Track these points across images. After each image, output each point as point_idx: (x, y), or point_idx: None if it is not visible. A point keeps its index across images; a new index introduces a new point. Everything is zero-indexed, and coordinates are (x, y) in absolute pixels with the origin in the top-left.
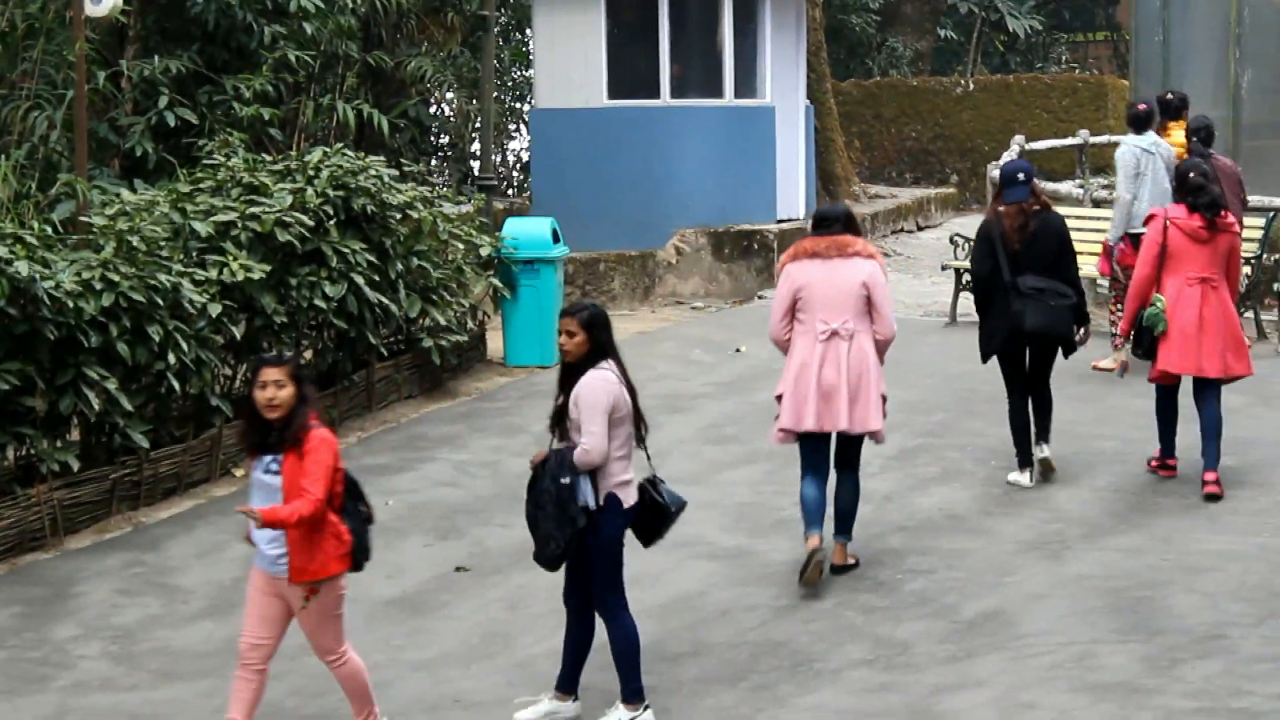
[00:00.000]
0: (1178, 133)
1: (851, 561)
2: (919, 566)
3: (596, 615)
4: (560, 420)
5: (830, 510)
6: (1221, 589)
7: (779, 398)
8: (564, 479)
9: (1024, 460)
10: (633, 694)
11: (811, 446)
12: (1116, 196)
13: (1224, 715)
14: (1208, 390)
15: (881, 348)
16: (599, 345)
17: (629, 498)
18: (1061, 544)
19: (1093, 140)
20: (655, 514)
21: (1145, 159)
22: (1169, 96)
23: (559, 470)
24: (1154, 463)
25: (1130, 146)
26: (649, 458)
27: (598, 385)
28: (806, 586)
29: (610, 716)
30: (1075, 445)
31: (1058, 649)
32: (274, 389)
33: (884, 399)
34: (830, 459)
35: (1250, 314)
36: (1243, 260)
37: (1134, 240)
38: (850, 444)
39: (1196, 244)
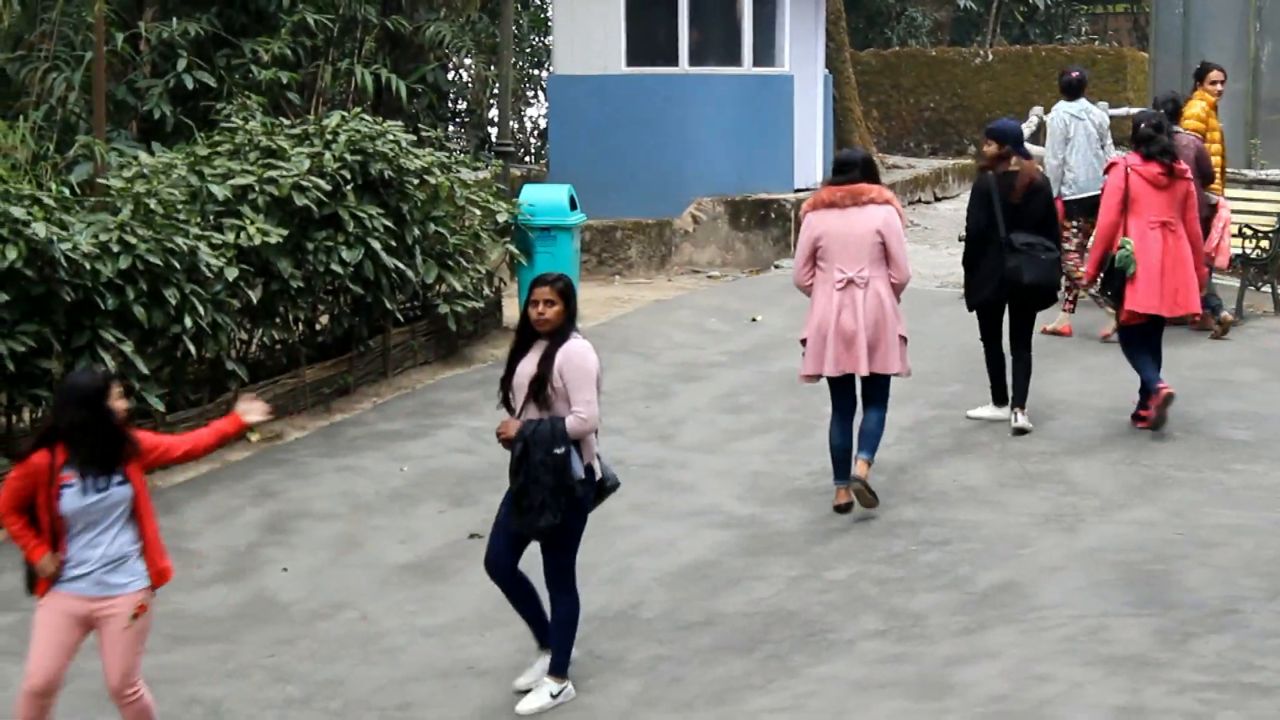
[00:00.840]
0: (1198, 103)
1: (864, 477)
2: (933, 538)
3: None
4: (541, 389)
5: (856, 432)
6: (1235, 563)
7: (803, 341)
8: (559, 450)
9: (1000, 397)
10: (562, 667)
11: (838, 389)
12: (1045, 161)
13: (1236, 690)
14: (1158, 326)
15: (897, 290)
16: (571, 314)
17: (598, 470)
18: (1075, 516)
19: (1112, 112)
20: (597, 490)
21: (1074, 124)
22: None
23: (553, 440)
24: (1143, 413)
25: (1060, 113)
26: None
27: (586, 353)
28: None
29: (541, 690)
30: (1088, 417)
31: (1070, 621)
32: None
33: (904, 340)
34: (855, 400)
35: (1267, 288)
36: (1258, 234)
37: (1066, 205)
38: (876, 384)
39: (1156, 190)
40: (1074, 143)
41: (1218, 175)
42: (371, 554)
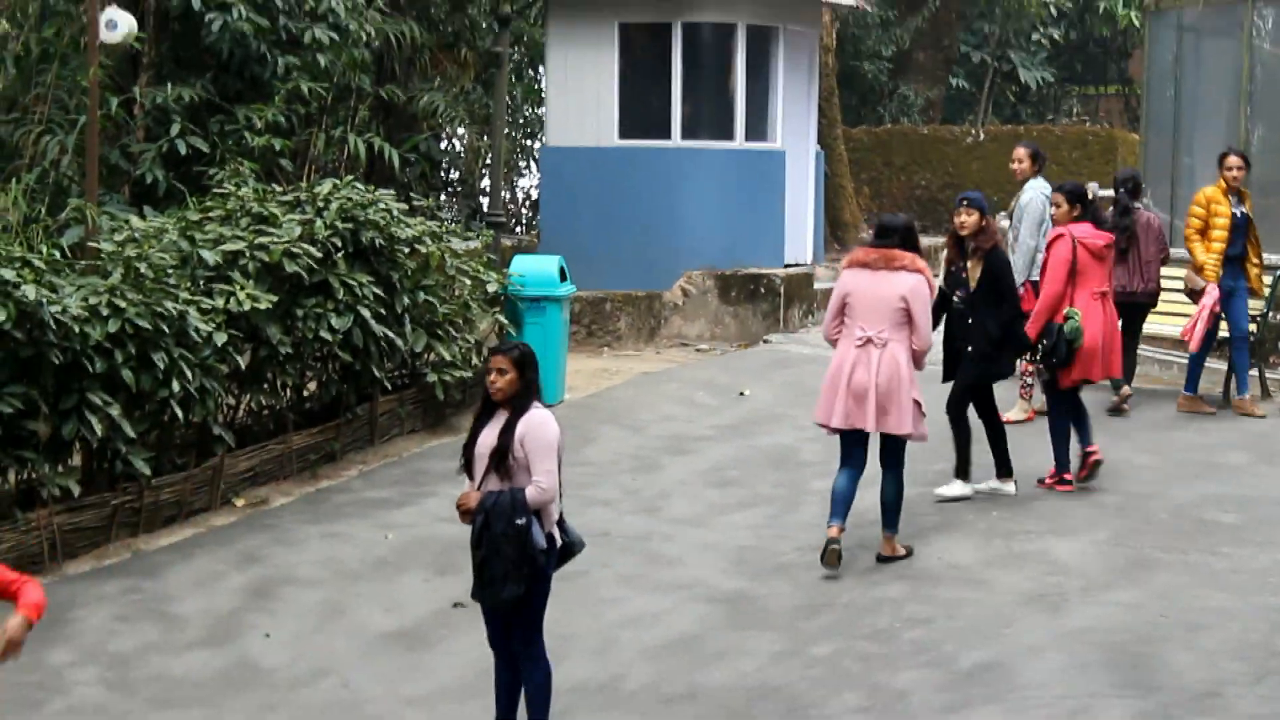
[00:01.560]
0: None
1: (902, 553)
2: (918, 615)
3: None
4: (502, 460)
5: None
6: (1220, 647)
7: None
8: (519, 520)
9: (967, 472)
10: None
11: (848, 443)
12: (1019, 243)
13: None
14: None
15: (917, 357)
16: (528, 384)
17: (558, 538)
18: (1060, 596)
19: (1102, 193)
20: (563, 553)
21: (1047, 206)
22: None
23: (513, 512)
24: (1068, 476)
25: (1038, 194)
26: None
27: (549, 424)
28: (827, 568)
29: None
30: (1074, 497)
31: (1054, 702)
32: None
33: (918, 404)
34: (865, 457)
35: (1255, 372)
36: (1250, 317)
37: (1034, 286)
38: (889, 445)
39: (1097, 261)
40: (1046, 225)
41: (1211, 260)
42: (355, 621)
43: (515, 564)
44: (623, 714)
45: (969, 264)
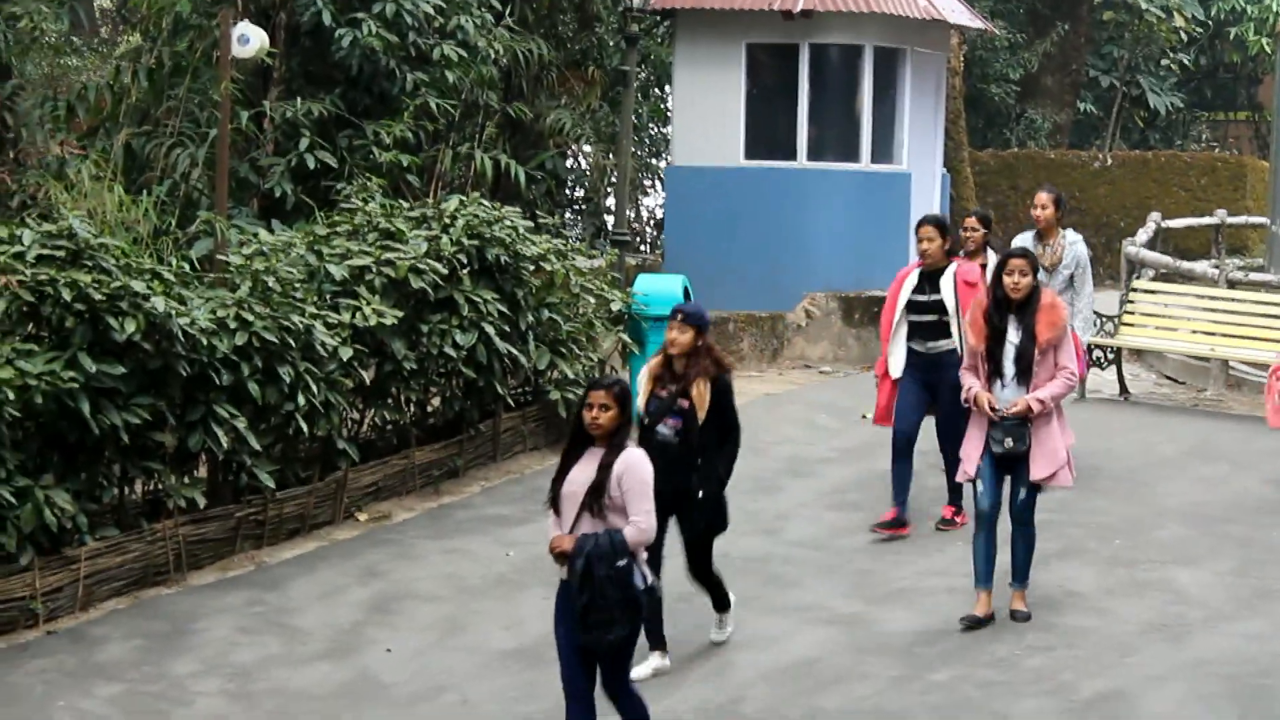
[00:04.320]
0: None
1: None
2: (1038, 643)
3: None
4: (598, 498)
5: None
6: None
7: None
8: (621, 562)
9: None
10: None
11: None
12: (1082, 299)
13: None
14: None
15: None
16: (626, 421)
17: (649, 575)
18: (1183, 627)
19: (1230, 220)
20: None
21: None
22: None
23: (614, 555)
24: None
25: (1083, 244)
26: None
27: (644, 462)
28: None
29: None
30: (1200, 528)
31: None
32: None
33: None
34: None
35: None
36: None
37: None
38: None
39: None
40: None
41: None
42: (475, 638)
43: (621, 606)
44: None
45: (686, 388)
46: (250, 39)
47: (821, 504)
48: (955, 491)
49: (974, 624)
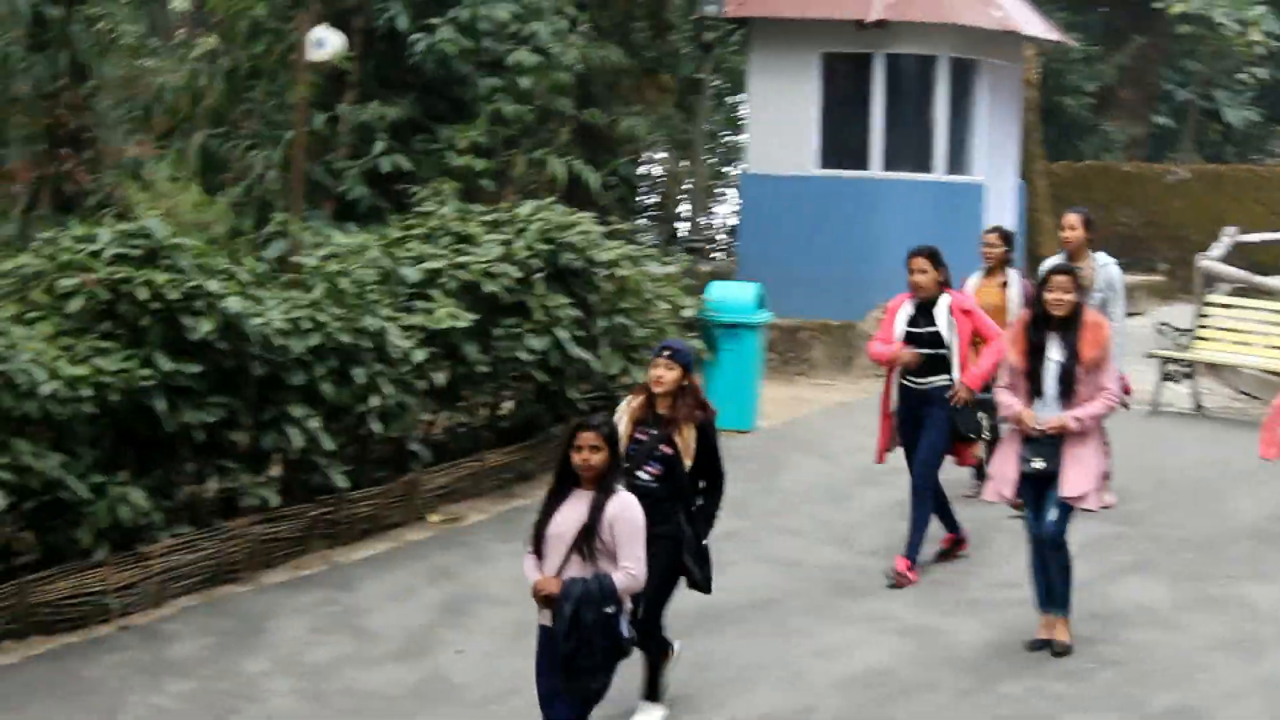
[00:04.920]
0: None
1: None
2: (1109, 657)
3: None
4: (589, 542)
5: None
6: None
7: None
8: (608, 609)
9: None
10: None
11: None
12: (1118, 317)
13: None
14: None
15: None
16: (617, 463)
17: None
18: (1256, 643)
19: (1268, 237)
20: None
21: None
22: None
23: (603, 600)
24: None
25: (1115, 266)
26: None
27: (636, 507)
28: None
29: None
30: (1274, 544)
31: None
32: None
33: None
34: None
35: None
36: None
37: None
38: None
39: None
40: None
41: None
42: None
43: (606, 655)
44: None
45: (670, 433)
46: (327, 43)
47: (894, 514)
48: (915, 546)
49: (1038, 647)
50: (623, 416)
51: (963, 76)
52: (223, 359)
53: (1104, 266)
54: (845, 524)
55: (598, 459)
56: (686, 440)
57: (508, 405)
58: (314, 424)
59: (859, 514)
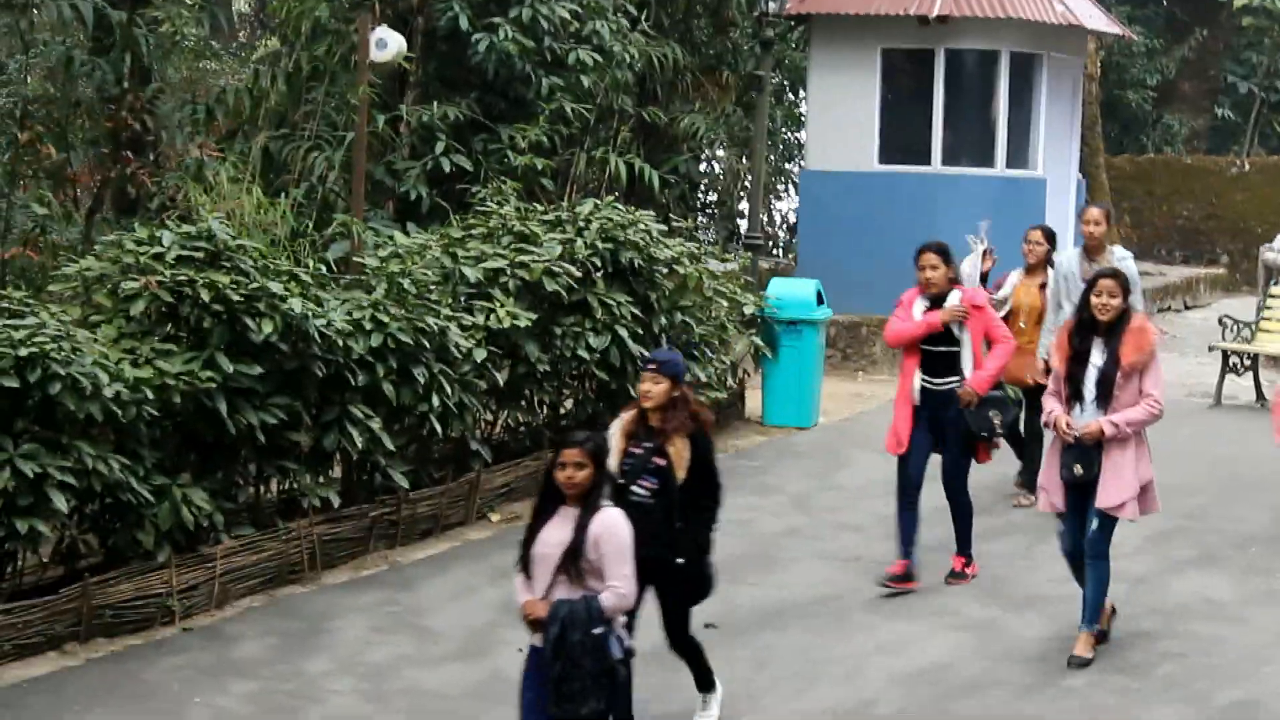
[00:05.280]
0: None
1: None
2: (1172, 650)
3: None
4: (574, 561)
5: None
6: None
7: None
8: (596, 629)
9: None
10: None
11: None
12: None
13: None
14: None
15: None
16: (602, 479)
17: (627, 641)
18: None
19: None
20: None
21: None
22: None
23: (590, 621)
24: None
25: (1131, 259)
26: None
27: (622, 524)
28: None
29: None
30: None
31: None
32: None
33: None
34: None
35: None
36: None
37: None
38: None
39: None
40: None
41: None
42: None
43: (595, 678)
44: None
45: (663, 446)
46: (388, 44)
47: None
48: (965, 541)
49: (1077, 663)
50: (615, 432)
51: (1024, 71)
52: (285, 360)
53: (1121, 260)
54: None
55: (582, 476)
56: (679, 452)
57: (568, 404)
58: (375, 424)
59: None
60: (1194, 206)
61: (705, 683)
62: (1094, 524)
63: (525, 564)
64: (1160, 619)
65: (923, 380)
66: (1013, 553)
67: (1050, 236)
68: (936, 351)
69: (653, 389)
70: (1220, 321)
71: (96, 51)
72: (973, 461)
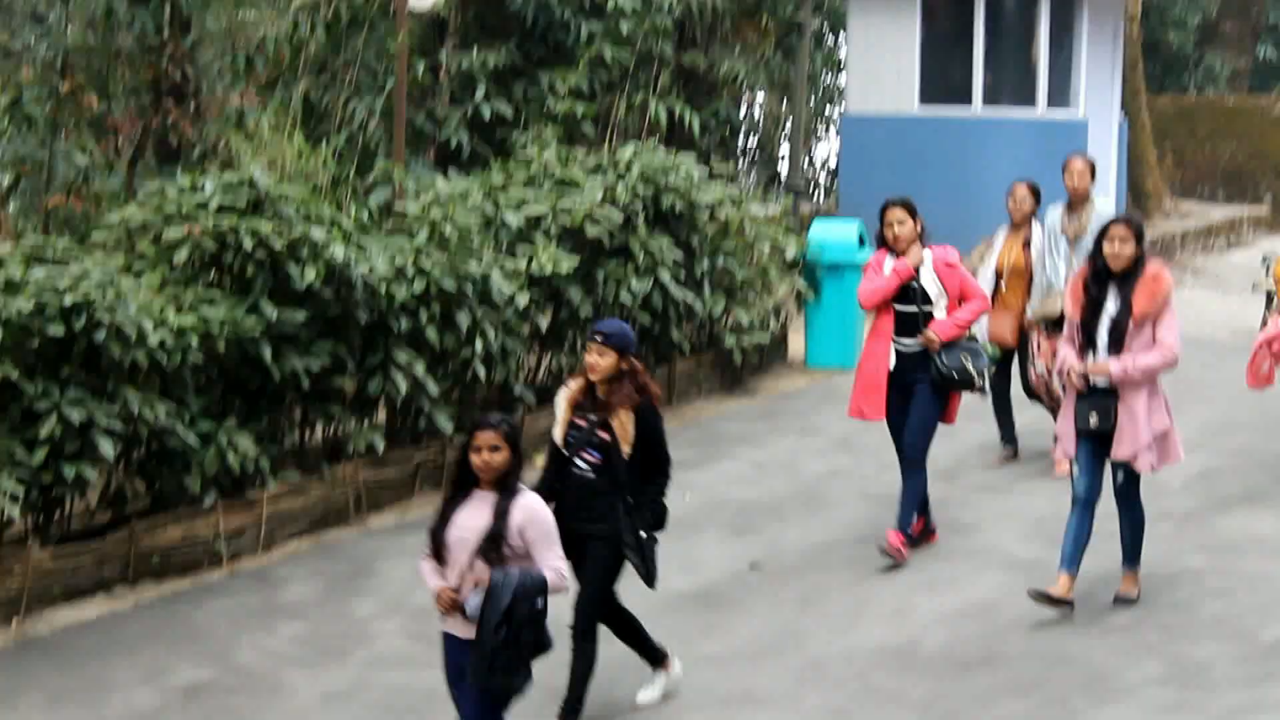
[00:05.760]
0: None
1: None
2: (1218, 587)
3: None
4: (495, 548)
5: None
6: None
7: None
8: (539, 603)
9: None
10: None
11: None
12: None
13: None
14: None
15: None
16: (519, 463)
17: None
18: None
19: None
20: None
21: None
22: None
23: (533, 593)
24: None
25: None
26: None
27: (545, 509)
28: None
29: None
30: None
31: None
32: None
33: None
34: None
35: None
36: None
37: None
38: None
39: None
40: None
41: None
42: None
43: (531, 650)
44: (918, 678)
45: (607, 419)
46: None
47: (1000, 449)
48: (908, 515)
49: (1041, 598)
50: (561, 402)
51: (1065, 11)
52: (328, 306)
53: (1103, 214)
54: (949, 459)
55: (498, 459)
56: (624, 426)
57: None
58: (419, 369)
59: (962, 449)
60: (1236, 146)
61: (654, 657)
62: (1120, 476)
63: (438, 550)
64: (1206, 556)
65: (896, 343)
66: (1056, 491)
67: (1036, 192)
68: (909, 312)
69: (599, 361)
70: (1263, 260)
71: (136, 2)
72: (938, 426)
